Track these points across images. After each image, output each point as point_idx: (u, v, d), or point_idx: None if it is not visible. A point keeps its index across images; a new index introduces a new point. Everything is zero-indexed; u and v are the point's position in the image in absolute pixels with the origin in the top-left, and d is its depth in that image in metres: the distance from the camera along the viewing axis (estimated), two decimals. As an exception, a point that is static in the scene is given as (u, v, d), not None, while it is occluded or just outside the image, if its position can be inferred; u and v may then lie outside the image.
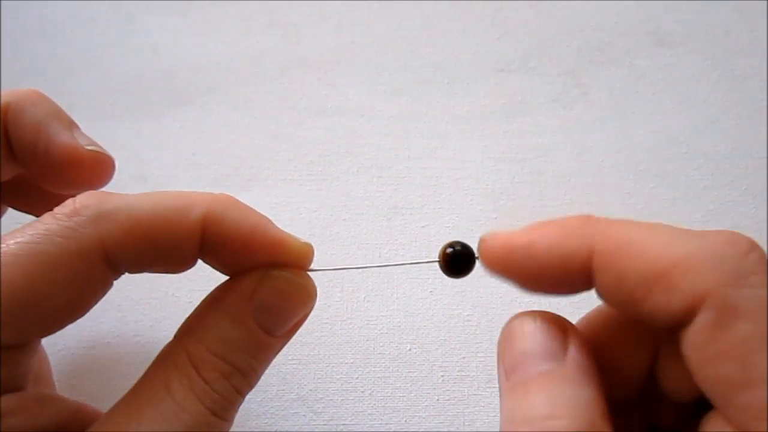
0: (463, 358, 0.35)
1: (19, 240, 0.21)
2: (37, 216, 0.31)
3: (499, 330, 0.27)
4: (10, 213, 0.32)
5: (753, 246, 0.19)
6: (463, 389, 0.34)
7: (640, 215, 0.39)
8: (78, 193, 0.29)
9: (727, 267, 0.19)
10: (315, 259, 0.39)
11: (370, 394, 0.35)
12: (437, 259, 0.25)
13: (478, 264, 0.24)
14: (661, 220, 0.22)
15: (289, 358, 0.35)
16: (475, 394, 0.34)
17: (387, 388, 0.35)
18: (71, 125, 0.28)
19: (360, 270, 0.37)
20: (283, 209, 0.40)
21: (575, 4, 0.46)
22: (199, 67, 0.45)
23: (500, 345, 0.23)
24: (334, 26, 0.46)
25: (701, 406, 0.21)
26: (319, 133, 0.42)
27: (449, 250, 0.25)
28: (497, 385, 0.23)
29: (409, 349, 0.35)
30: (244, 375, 0.23)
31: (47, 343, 0.34)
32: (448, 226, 0.39)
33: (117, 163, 0.41)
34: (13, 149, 0.27)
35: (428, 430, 0.34)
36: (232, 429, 0.34)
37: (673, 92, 0.43)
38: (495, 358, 0.23)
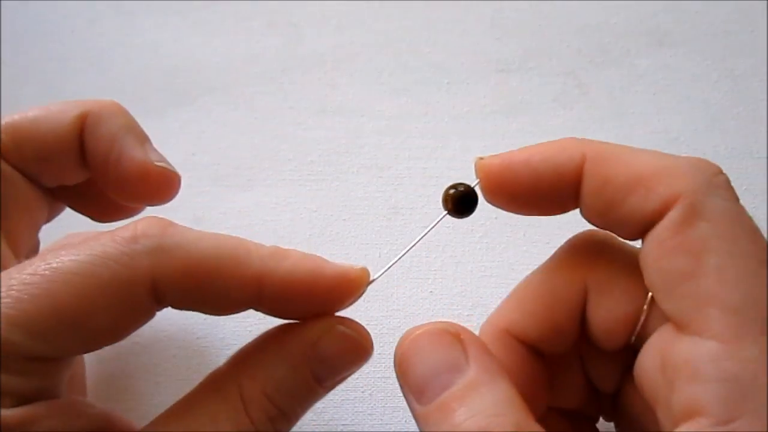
0: (463, 358, 0.35)
1: (74, 258, 0.21)
2: (94, 219, 0.32)
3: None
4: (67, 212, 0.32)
5: (721, 171, 0.22)
6: (463, 389, 0.34)
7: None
8: (141, 205, 0.30)
9: (699, 178, 0.21)
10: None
11: (370, 394, 0.35)
12: (445, 210, 0.26)
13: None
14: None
15: (289, 358, 0.35)
16: (475, 394, 0.34)
17: (387, 388, 0.35)
18: (144, 140, 0.29)
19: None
20: (283, 209, 0.40)
21: (575, 4, 0.46)
22: (199, 67, 0.45)
23: (399, 369, 0.23)
24: (335, 26, 0.46)
25: (631, 363, 0.23)
26: (320, 133, 0.42)
27: (452, 191, 0.25)
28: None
29: (409, 349, 0.35)
30: (287, 420, 0.24)
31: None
32: (449, 226, 0.39)
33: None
34: (86, 157, 0.28)
35: (428, 430, 0.34)
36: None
37: (673, 92, 0.43)
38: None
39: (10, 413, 0.20)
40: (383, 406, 0.34)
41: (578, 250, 0.25)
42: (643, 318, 0.23)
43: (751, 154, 0.41)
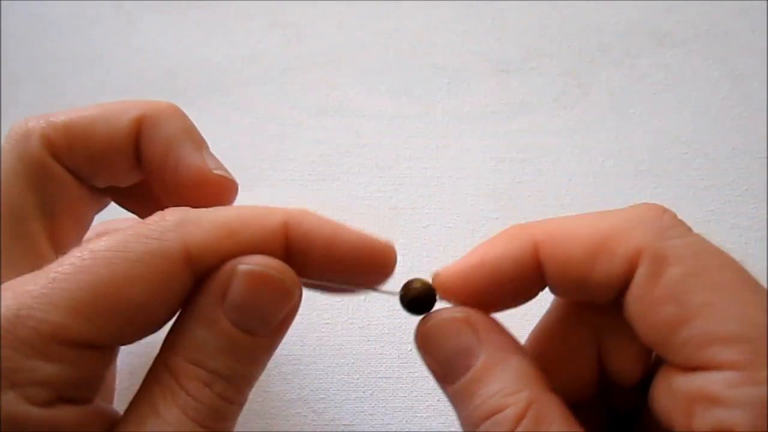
0: (464, 358, 0.35)
1: (109, 239, 0.22)
2: (140, 217, 0.31)
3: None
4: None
5: (665, 209, 0.22)
6: (464, 389, 0.34)
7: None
8: None
9: (650, 226, 0.22)
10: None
11: (371, 394, 0.35)
12: (399, 293, 0.25)
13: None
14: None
15: (290, 358, 0.35)
16: (476, 395, 0.34)
17: (388, 388, 0.35)
18: (201, 144, 0.29)
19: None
20: (283, 209, 0.40)
21: (576, 5, 0.46)
22: (200, 67, 0.45)
23: (421, 357, 0.24)
24: (335, 26, 0.46)
25: (648, 386, 0.23)
26: (320, 133, 0.42)
27: (408, 290, 0.24)
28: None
29: (410, 350, 0.35)
30: (227, 380, 0.22)
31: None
32: (449, 227, 0.39)
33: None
34: (140, 160, 0.28)
35: (429, 430, 0.34)
36: (233, 429, 0.34)
37: (673, 92, 0.43)
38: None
39: (37, 413, 0.20)
40: (384, 407, 0.34)
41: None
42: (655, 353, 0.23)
43: (751, 154, 0.41)
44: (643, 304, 0.21)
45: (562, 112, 0.43)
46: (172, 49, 0.45)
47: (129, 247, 0.21)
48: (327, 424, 0.34)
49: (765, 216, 0.39)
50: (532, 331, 0.26)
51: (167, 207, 0.29)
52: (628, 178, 0.40)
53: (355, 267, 0.23)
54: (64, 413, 0.21)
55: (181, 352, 0.22)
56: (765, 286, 0.21)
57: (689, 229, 0.22)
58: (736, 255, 0.38)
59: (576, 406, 0.25)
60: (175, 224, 0.22)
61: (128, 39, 0.46)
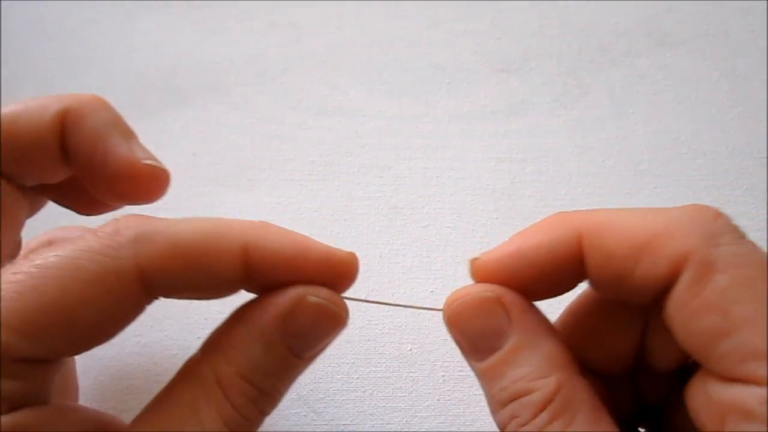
0: (464, 358, 0.35)
1: (59, 254, 0.21)
2: (78, 213, 0.31)
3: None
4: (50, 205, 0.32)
5: (719, 213, 0.22)
6: (464, 389, 0.34)
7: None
8: (127, 204, 0.29)
9: (701, 230, 0.21)
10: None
11: (371, 394, 0.35)
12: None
13: None
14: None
15: (290, 358, 0.35)
16: (476, 394, 0.34)
17: (388, 388, 0.35)
18: (129, 136, 0.28)
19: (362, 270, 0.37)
20: (283, 209, 0.40)
21: (576, 5, 0.46)
22: (200, 67, 0.45)
23: (450, 331, 0.24)
24: (335, 26, 0.46)
25: (682, 376, 0.22)
26: (320, 133, 0.42)
27: None
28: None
29: (410, 349, 0.35)
30: (270, 398, 0.23)
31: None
32: (449, 226, 0.39)
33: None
34: (68, 154, 0.27)
35: (429, 430, 0.34)
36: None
37: (673, 92, 0.43)
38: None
39: None
40: (384, 406, 0.34)
41: None
42: None
43: (751, 154, 0.41)
44: (685, 311, 0.21)
45: (562, 112, 0.43)
46: (172, 49, 0.45)
47: (80, 264, 0.21)
48: (327, 424, 0.34)
49: (765, 216, 0.39)
50: (577, 300, 0.26)
51: (99, 201, 0.29)
52: (627, 178, 0.40)
53: (317, 280, 0.23)
54: (21, 417, 0.21)
55: (234, 365, 0.22)
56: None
57: (742, 236, 0.21)
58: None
59: (606, 381, 0.25)
60: (130, 241, 0.21)
61: (128, 39, 0.46)
